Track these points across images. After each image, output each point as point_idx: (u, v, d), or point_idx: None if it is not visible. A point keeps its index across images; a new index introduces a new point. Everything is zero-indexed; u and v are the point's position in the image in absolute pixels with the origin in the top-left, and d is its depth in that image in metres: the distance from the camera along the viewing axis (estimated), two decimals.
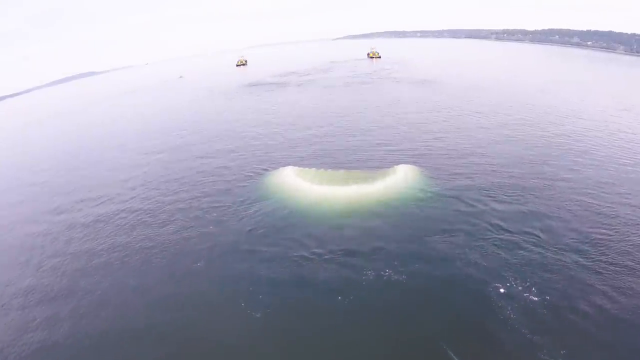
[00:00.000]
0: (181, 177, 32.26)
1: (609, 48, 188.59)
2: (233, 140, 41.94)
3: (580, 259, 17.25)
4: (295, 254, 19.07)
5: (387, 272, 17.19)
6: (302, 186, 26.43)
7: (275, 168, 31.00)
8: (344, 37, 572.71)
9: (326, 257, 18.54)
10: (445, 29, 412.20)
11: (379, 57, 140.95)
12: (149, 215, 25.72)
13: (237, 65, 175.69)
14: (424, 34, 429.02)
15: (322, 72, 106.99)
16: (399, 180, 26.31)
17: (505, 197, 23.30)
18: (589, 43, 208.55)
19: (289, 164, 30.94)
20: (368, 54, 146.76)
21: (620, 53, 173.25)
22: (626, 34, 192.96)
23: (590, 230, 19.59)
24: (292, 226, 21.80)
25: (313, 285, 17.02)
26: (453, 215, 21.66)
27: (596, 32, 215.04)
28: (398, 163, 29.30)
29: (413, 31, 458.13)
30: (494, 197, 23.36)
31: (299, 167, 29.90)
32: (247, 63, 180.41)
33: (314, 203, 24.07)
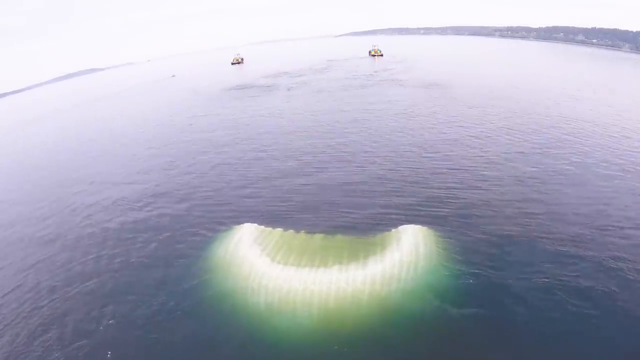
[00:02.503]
0: (99, 235, 23.25)
1: (614, 46, 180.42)
2: (187, 176, 31.41)
3: None
4: None
5: None
6: (258, 265, 17.45)
7: (230, 223, 21.99)
8: (347, 34, 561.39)
9: None
10: (448, 26, 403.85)
11: (381, 55, 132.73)
12: (18, 320, 16.94)
13: (232, 64, 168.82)
14: (427, 31, 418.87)
15: (317, 72, 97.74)
16: (406, 256, 17.34)
17: (578, 300, 14.24)
18: (593, 41, 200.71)
19: (249, 218, 22.00)
20: (370, 52, 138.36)
21: (626, 51, 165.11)
22: (631, 32, 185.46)
23: None
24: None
25: None
26: (496, 339, 12.81)
27: (601, 30, 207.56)
28: (402, 221, 20.28)
29: (416, 28, 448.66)
30: (562, 295, 14.41)
31: (260, 224, 20.94)
32: (243, 61, 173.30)
33: (269, 306, 15.15)
